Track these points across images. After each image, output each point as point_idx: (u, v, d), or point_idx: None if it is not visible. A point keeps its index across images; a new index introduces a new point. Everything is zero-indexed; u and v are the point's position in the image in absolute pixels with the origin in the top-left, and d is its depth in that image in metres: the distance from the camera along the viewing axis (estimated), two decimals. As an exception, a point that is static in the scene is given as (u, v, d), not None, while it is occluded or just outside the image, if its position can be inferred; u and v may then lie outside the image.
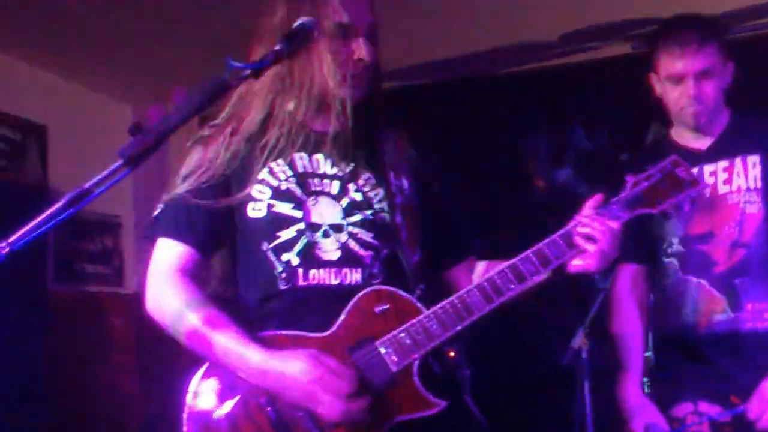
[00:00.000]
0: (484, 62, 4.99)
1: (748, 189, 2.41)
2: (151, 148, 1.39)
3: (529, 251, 1.82)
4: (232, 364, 1.69)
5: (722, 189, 2.35)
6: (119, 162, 1.37)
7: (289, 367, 1.64)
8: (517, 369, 4.67)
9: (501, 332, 4.68)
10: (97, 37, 4.44)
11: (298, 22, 1.63)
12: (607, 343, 4.08)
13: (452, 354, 4.17)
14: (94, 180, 1.37)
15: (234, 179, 1.79)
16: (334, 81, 1.76)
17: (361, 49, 1.76)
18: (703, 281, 2.44)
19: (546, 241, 1.81)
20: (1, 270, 1.32)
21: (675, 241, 2.47)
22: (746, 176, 2.39)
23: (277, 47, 1.55)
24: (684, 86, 2.51)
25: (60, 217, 1.36)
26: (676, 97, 2.53)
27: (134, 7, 4.10)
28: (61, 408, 4.35)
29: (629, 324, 2.64)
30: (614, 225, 1.77)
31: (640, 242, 2.50)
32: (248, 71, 1.49)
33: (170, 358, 5.25)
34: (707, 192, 2.40)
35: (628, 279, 2.64)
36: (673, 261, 2.48)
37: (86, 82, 5.09)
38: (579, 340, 3.72)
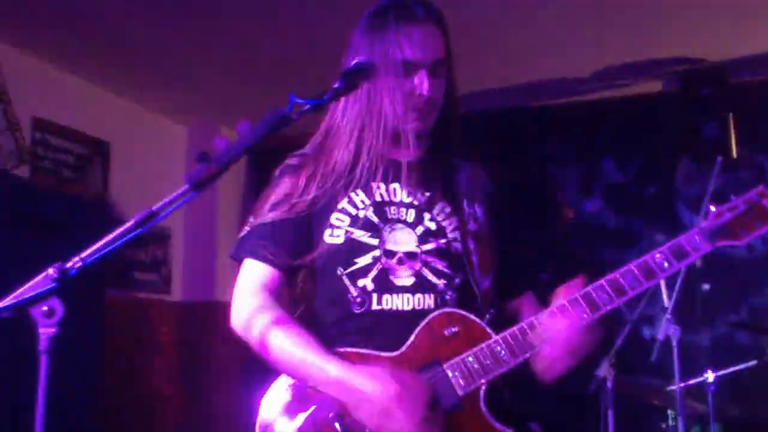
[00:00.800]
0: (519, 95, 5.10)
1: None
2: (216, 175, 1.45)
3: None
4: (308, 373, 1.71)
5: None
6: (186, 186, 1.44)
7: (369, 382, 1.64)
8: (541, 395, 4.69)
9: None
10: (162, 63, 4.68)
11: (356, 61, 1.67)
12: (631, 373, 4.12)
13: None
14: (162, 202, 1.43)
15: (319, 208, 1.86)
16: (396, 115, 1.82)
17: (421, 85, 1.81)
18: None
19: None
20: (74, 283, 1.39)
21: None
22: None
23: (336, 85, 1.59)
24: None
25: (130, 236, 1.44)
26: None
27: (194, 35, 4.29)
28: (107, 406, 4.50)
29: None
30: (562, 326, 1.72)
31: None
32: (308, 107, 1.53)
33: (208, 364, 5.45)
34: None
35: None
36: None
37: (149, 104, 5.36)
38: (604, 370, 3.79)
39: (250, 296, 1.82)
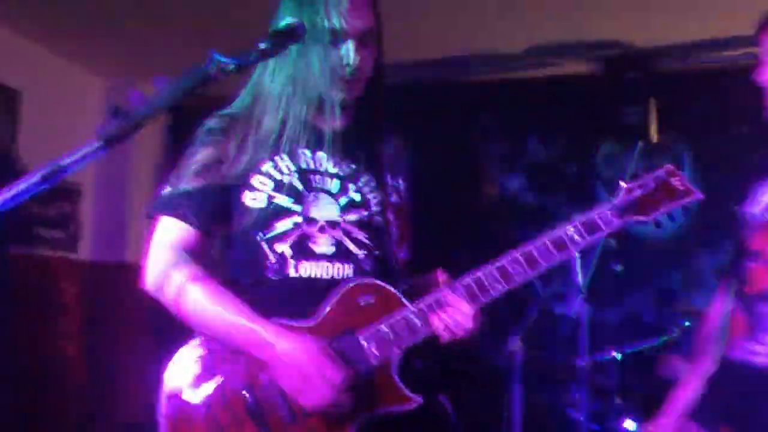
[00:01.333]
0: (447, 68, 5.09)
1: None
2: (129, 132, 1.41)
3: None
4: (229, 331, 1.70)
5: None
6: (97, 142, 1.38)
7: (293, 346, 1.66)
8: (453, 369, 4.76)
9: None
10: (78, 9, 4.45)
11: (285, 22, 1.67)
12: (540, 349, 4.22)
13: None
14: (71, 158, 1.37)
15: (242, 171, 1.84)
16: (325, 83, 1.82)
17: (348, 54, 1.81)
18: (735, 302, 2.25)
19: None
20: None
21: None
22: None
23: (262, 46, 1.56)
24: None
25: (34, 190, 1.38)
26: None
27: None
28: (8, 367, 4.36)
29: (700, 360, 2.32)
30: (467, 310, 1.74)
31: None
32: (232, 66, 1.48)
33: (116, 327, 5.33)
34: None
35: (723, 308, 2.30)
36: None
37: (64, 52, 5.08)
38: (514, 344, 3.87)
39: (166, 253, 1.79)
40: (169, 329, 1.80)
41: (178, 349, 1.77)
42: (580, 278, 3.79)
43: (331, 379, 1.64)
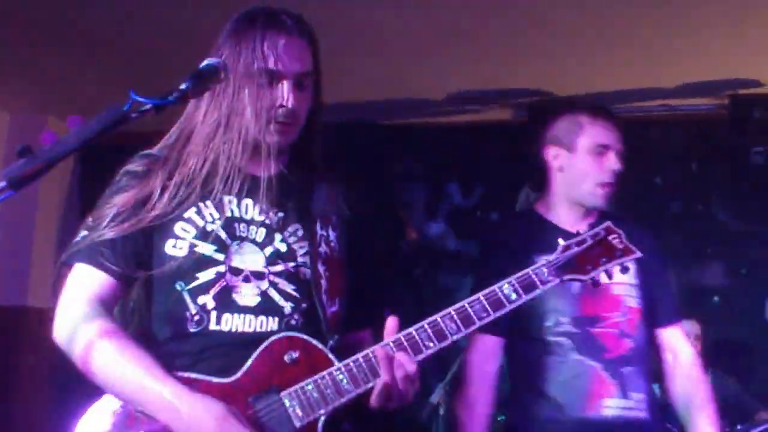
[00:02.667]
0: (373, 111, 5.09)
1: (629, 284, 2.45)
2: (39, 174, 1.31)
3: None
4: (137, 393, 1.61)
5: (604, 279, 2.28)
6: (3, 183, 1.29)
7: (201, 412, 1.57)
8: (375, 422, 4.65)
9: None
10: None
11: (206, 62, 1.58)
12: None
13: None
14: None
15: (165, 217, 1.75)
16: (257, 126, 1.75)
17: (284, 96, 1.75)
18: (596, 365, 2.40)
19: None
20: None
21: (564, 320, 2.42)
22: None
23: (183, 87, 1.49)
24: (607, 159, 2.49)
25: None
26: (596, 169, 2.48)
27: (22, 16, 3.90)
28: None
29: (475, 408, 2.48)
30: (411, 368, 1.65)
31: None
32: (150, 106, 1.41)
33: (15, 374, 4.99)
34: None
35: (484, 352, 2.49)
36: (564, 341, 2.41)
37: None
38: (437, 396, 3.79)
39: (79, 305, 1.69)
40: (74, 377, 1.69)
41: (82, 403, 1.66)
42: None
43: None
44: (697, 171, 4.68)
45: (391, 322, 1.71)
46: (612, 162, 2.50)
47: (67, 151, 1.35)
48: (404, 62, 4.41)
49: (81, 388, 1.67)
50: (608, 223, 1.89)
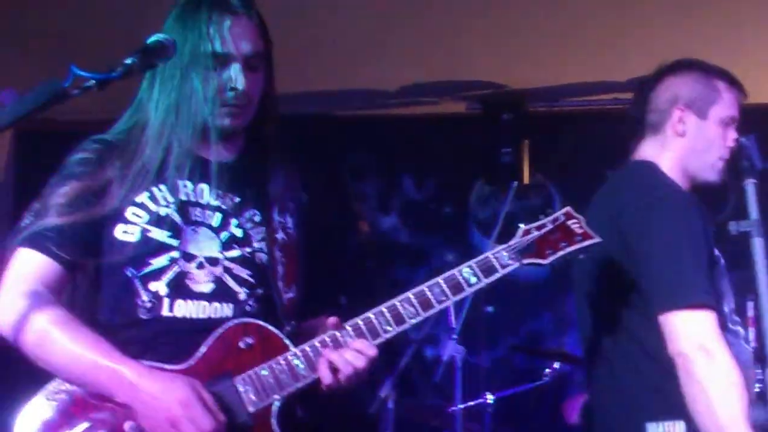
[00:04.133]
0: (323, 102, 5.04)
1: None
2: None
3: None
4: (96, 375, 1.60)
5: None
6: None
7: (164, 388, 1.57)
8: (325, 415, 4.63)
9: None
10: None
11: (155, 38, 1.56)
12: (413, 395, 4.16)
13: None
14: None
15: (116, 202, 1.73)
16: (207, 109, 1.73)
17: (234, 78, 1.72)
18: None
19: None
20: None
21: (731, 305, 2.25)
22: None
23: (128, 61, 1.46)
24: (731, 133, 2.31)
25: None
26: (721, 141, 2.29)
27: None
28: None
29: None
30: (371, 352, 1.67)
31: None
32: (93, 82, 1.37)
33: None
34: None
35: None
36: (739, 329, 2.24)
37: None
38: (386, 390, 3.78)
39: (24, 291, 1.66)
40: (13, 368, 1.70)
41: (22, 394, 1.65)
42: (453, 319, 3.76)
43: (201, 426, 1.56)
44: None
45: (332, 321, 1.70)
46: (732, 136, 2.32)
47: (2, 126, 1.33)
48: (358, 53, 4.38)
49: (21, 376, 1.65)
50: (568, 209, 1.88)
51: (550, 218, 1.85)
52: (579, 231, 1.86)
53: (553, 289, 4.77)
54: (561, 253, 1.83)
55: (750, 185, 1.88)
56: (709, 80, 2.33)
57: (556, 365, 3.93)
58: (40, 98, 1.35)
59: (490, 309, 4.49)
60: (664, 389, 2.04)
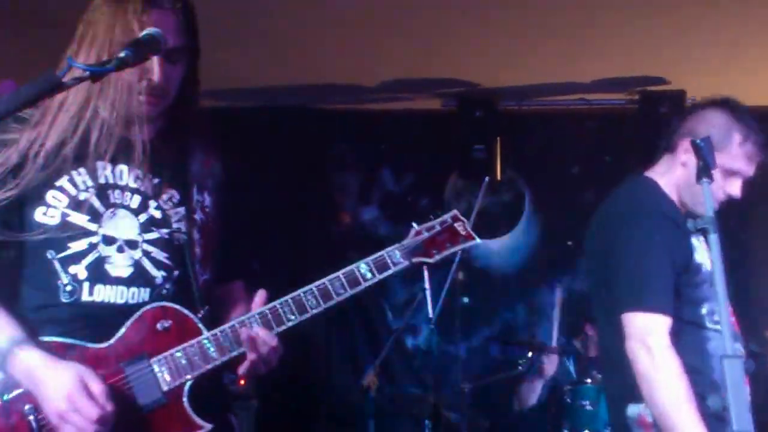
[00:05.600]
0: (307, 95, 5.15)
1: None
2: None
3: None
4: (4, 360, 1.64)
5: None
6: None
7: (53, 378, 1.62)
8: (307, 403, 4.75)
9: (293, 365, 4.74)
10: None
11: (146, 31, 1.61)
12: (395, 384, 4.28)
13: (242, 382, 4.21)
14: None
15: (35, 183, 1.73)
16: (129, 96, 1.75)
17: (151, 70, 1.74)
18: None
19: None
20: None
21: (714, 309, 2.29)
22: None
23: (122, 54, 1.49)
24: (734, 185, 2.36)
25: None
26: (718, 187, 2.29)
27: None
28: None
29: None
30: (272, 343, 1.75)
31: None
32: (88, 73, 1.42)
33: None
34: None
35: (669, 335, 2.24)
36: (718, 331, 2.21)
37: None
38: (368, 379, 3.90)
39: None
40: None
41: None
42: (430, 310, 3.89)
43: (88, 416, 1.59)
44: (611, 162, 4.89)
45: (260, 296, 1.79)
46: (736, 189, 2.36)
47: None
48: (338, 50, 4.47)
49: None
50: (455, 212, 2.00)
51: (439, 220, 1.97)
52: (463, 232, 1.98)
53: (526, 282, 4.96)
54: (446, 252, 1.96)
55: (705, 184, 2.02)
56: (729, 128, 2.37)
57: (530, 354, 4.06)
58: (36, 89, 1.37)
59: (466, 300, 4.63)
60: None
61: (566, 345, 4.26)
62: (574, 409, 3.64)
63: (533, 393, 4.07)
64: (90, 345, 1.69)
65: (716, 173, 2.24)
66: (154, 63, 1.72)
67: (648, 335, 2.19)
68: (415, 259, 1.91)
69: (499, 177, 4.95)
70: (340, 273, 1.83)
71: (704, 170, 2.07)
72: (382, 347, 3.99)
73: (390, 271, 1.86)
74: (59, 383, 1.61)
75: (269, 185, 4.86)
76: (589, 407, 3.58)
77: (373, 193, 5.29)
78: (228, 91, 4.86)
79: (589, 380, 3.68)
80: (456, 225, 1.98)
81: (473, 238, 2.00)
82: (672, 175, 2.44)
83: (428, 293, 3.94)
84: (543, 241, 5.05)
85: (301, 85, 4.96)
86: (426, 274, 3.94)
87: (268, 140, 5.12)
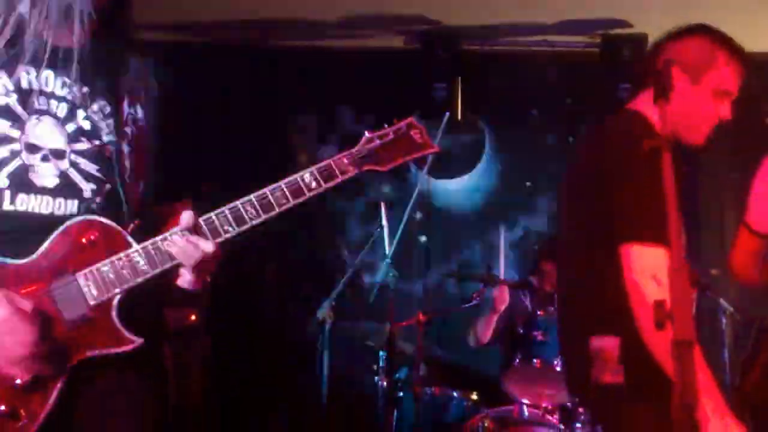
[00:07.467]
0: (259, 32, 5.04)
1: None
2: None
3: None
4: None
5: None
6: None
7: None
8: (260, 338, 4.75)
9: (246, 303, 4.74)
10: None
11: None
12: (351, 319, 4.28)
13: (193, 318, 4.17)
14: None
15: None
16: None
17: None
18: None
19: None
20: None
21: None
22: None
23: None
24: (723, 106, 2.33)
25: None
26: (710, 111, 2.31)
27: None
28: None
29: None
30: (208, 247, 1.69)
31: None
32: None
33: None
34: None
35: None
36: None
37: None
38: (324, 313, 3.89)
39: None
40: None
41: None
42: (387, 248, 3.88)
43: (21, 339, 1.56)
44: (571, 105, 4.89)
45: (186, 213, 1.71)
46: (725, 110, 2.34)
47: None
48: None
49: None
50: (411, 119, 1.92)
51: (393, 128, 1.88)
52: (419, 140, 1.89)
53: (484, 222, 4.96)
54: (399, 160, 1.87)
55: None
56: (712, 49, 2.33)
57: (482, 287, 4.09)
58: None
59: (423, 239, 4.63)
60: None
61: (518, 280, 4.31)
62: (526, 339, 3.80)
63: (488, 328, 4.12)
64: (10, 261, 1.62)
65: (706, 97, 2.27)
66: None
67: (658, 269, 2.07)
68: (365, 168, 1.82)
69: (459, 117, 4.91)
70: (282, 182, 1.75)
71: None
72: (336, 282, 3.96)
73: (337, 180, 1.78)
74: None
75: (224, 125, 4.78)
76: (540, 338, 3.74)
77: (332, 134, 5.22)
78: (179, 26, 4.73)
79: (540, 312, 3.81)
80: (412, 133, 1.89)
81: (432, 147, 1.91)
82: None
83: (386, 231, 3.92)
84: (502, 182, 5.06)
85: (255, 20, 4.84)
86: (383, 211, 3.92)
87: (221, 78, 5.00)
